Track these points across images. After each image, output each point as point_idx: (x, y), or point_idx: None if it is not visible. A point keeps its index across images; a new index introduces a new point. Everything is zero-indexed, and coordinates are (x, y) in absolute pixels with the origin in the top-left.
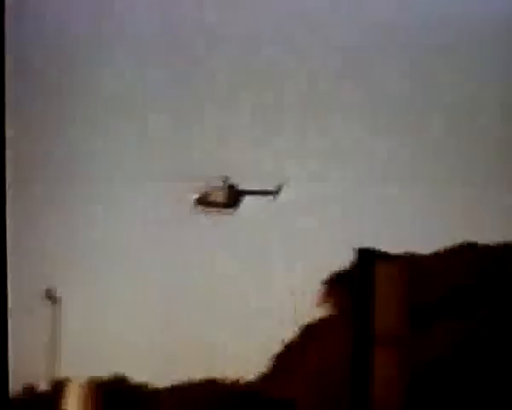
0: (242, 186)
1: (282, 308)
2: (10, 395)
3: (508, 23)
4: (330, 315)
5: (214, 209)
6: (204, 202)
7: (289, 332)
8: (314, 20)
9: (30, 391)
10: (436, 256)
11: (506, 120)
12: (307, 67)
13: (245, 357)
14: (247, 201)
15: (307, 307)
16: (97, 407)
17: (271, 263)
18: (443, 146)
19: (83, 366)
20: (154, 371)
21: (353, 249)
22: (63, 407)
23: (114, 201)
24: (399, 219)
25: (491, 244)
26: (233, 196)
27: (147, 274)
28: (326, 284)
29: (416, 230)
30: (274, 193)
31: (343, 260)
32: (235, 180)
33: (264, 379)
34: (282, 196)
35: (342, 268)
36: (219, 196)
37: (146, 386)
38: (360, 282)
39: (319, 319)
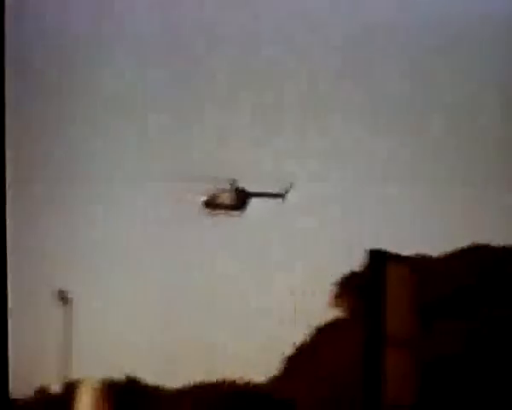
0: (242, 186)
1: (282, 308)
2: (22, 397)
3: (508, 23)
4: (341, 317)
5: (222, 211)
6: (212, 204)
7: (300, 334)
8: (314, 20)
9: (42, 393)
10: (439, 257)
11: (506, 120)
12: (307, 67)
13: (245, 357)
14: (252, 202)
15: (318, 308)
16: (109, 409)
17: (271, 263)
18: (443, 146)
19: (89, 367)
20: (153, 371)
21: (365, 251)
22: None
23: (114, 201)
24: (399, 219)
25: (491, 245)
26: (241, 199)
27: (147, 274)
28: (337, 285)
29: (416, 230)
30: (282, 195)
31: (343, 260)
32: None
33: (276, 381)
34: None
35: (349, 270)
36: (227, 199)
37: (158, 387)
38: (371, 283)
39: (330, 321)
